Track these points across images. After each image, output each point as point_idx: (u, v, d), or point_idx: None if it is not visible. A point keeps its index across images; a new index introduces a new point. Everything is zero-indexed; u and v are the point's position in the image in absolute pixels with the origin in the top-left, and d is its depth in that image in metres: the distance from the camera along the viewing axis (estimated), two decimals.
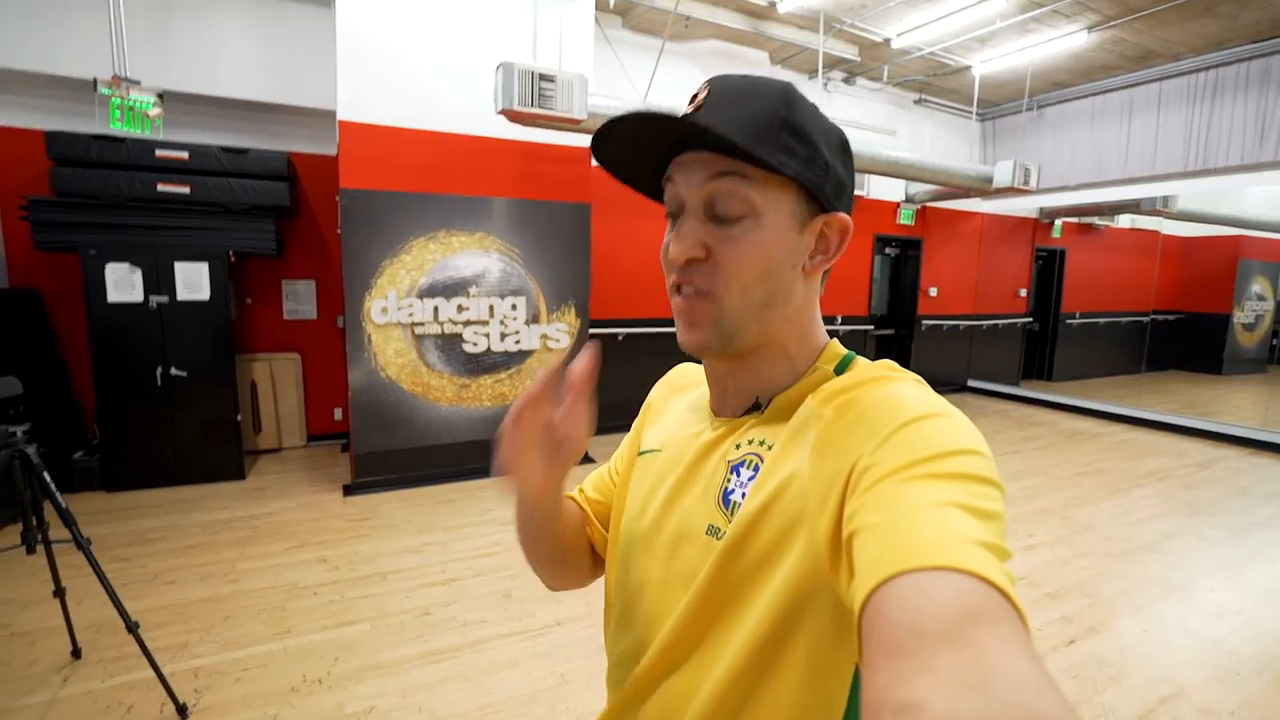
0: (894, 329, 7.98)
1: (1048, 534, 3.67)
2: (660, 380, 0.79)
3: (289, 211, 4.69)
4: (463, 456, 4.42)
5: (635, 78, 5.22)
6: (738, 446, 0.58)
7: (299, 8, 4.55)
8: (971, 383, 8.38)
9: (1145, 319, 9.50)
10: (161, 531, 3.47)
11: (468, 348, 4.38)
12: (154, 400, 4.06)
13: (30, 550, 2.02)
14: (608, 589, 0.69)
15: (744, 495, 0.55)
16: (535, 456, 0.58)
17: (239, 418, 4.37)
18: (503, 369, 4.52)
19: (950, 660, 0.30)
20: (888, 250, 7.87)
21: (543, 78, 3.70)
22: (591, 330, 4.91)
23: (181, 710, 2.02)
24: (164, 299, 4.03)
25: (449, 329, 4.30)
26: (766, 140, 0.51)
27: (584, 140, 4.42)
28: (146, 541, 3.34)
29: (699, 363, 0.67)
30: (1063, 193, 7.04)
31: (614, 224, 5.28)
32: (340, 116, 3.89)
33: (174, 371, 4.07)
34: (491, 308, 4.41)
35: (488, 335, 4.43)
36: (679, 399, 0.73)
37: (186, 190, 4.13)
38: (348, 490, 4.12)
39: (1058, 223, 8.71)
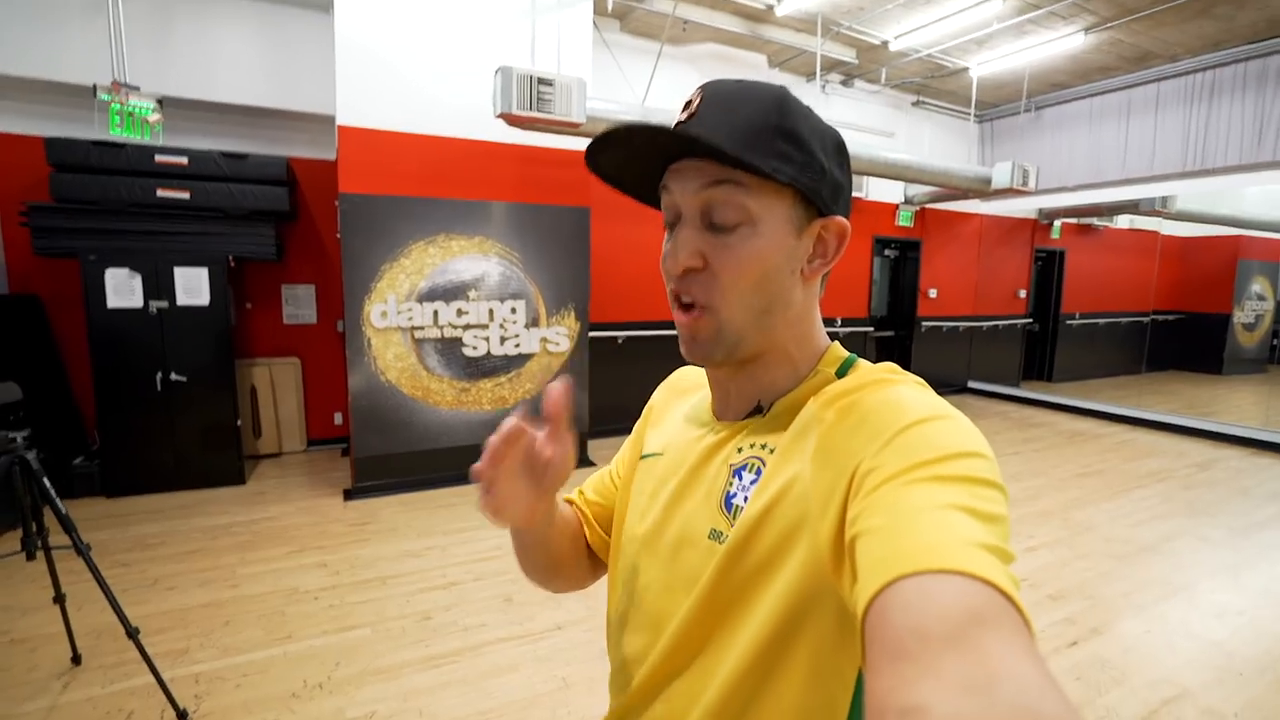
0: (894, 331, 7.98)
1: (1049, 535, 3.67)
2: (662, 383, 0.79)
3: (288, 216, 4.69)
4: (463, 460, 4.38)
5: (634, 81, 5.23)
6: (740, 450, 0.58)
7: (298, 13, 4.56)
8: (972, 384, 8.38)
9: (1145, 319, 9.51)
10: (161, 537, 3.47)
11: (467, 351, 4.38)
12: (154, 405, 4.05)
13: (30, 556, 2.01)
14: (610, 593, 0.69)
15: (746, 499, 0.55)
16: (519, 486, 0.57)
17: (239, 422, 4.37)
18: (503, 372, 4.52)
19: (954, 663, 0.30)
20: (887, 252, 7.87)
21: (541, 81, 3.71)
22: (591, 334, 4.91)
23: (182, 716, 2.01)
24: (164, 304, 4.03)
25: (449, 333, 4.30)
26: (760, 147, 0.51)
27: (583, 144, 4.43)
28: (146, 547, 3.34)
29: (701, 367, 0.67)
30: (1061, 194, 7.05)
31: (613, 227, 5.29)
32: (339, 121, 3.89)
33: (174, 377, 4.07)
34: (491, 311, 4.41)
35: (487, 339, 4.43)
36: (681, 402, 0.73)
37: (186, 195, 4.14)
38: (348, 495, 4.12)
39: (1057, 223, 8.72)
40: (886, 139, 6.98)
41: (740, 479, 0.56)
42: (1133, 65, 6.14)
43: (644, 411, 0.77)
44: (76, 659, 2.30)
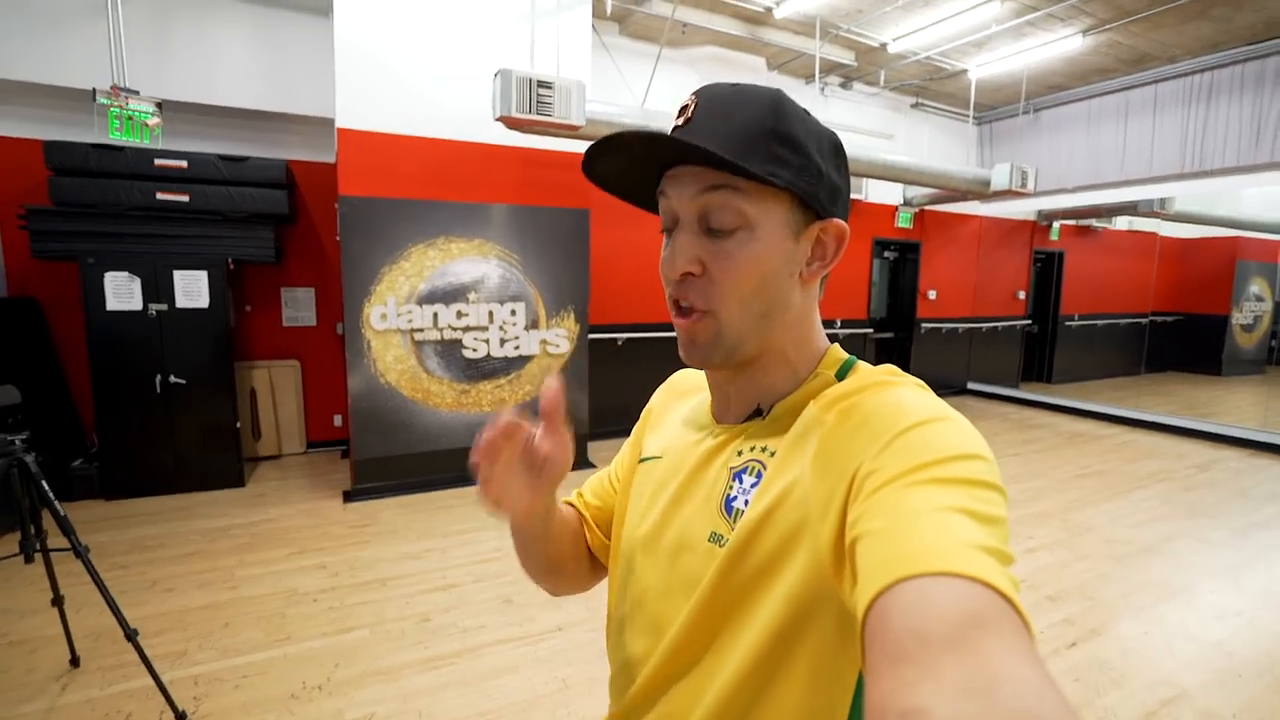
0: (893, 332, 7.99)
1: (1048, 536, 3.67)
2: (661, 386, 0.79)
3: (288, 219, 4.69)
4: (463, 462, 4.38)
5: (633, 84, 5.24)
6: (740, 453, 0.58)
7: (297, 17, 4.57)
8: (971, 385, 8.39)
9: (1144, 320, 9.52)
10: (160, 539, 3.46)
11: (467, 353, 4.38)
12: (153, 408, 4.05)
13: (29, 559, 2.01)
14: (610, 596, 0.69)
15: (747, 502, 0.55)
16: (518, 481, 0.58)
17: (238, 425, 4.36)
18: (502, 374, 4.52)
19: (954, 666, 0.30)
20: (886, 254, 7.88)
21: (541, 84, 3.72)
22: (591, 335, 4.91)
23: (181, 717, 2.01)
24: (163, 307, 4.03)
25: (448, 335, 4.30)
26: (756, 152, 0.51)
27: (582, 146, 4.43)
28: (145, 549, 3.33)
29: (700, 370, 0.67)
30: (1060, 195, 7.06)
31: (613, 229, 5.29)
32: (339, 124, 3.90)
33: (173, 379, 4.07)
34: (491, 313, 4.41)
35: (487, 341, 4.43)
36: (680, 405, 0.73)
37: (185, 199, 4.14)
38: (347, 496, 4.12)
39: (1055, 225, 8.73)
40: (885, 141, 6.99)
41: (740, 482, 0.56)
42: (1131, 67, 6.15)
43: (643, 414, 0.77)
44: (75, 661, 2.30)
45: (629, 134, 0.50)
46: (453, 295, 4.28)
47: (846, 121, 6.70)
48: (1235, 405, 8.05)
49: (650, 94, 4.93)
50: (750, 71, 6.06)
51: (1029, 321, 8.79)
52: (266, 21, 4.50)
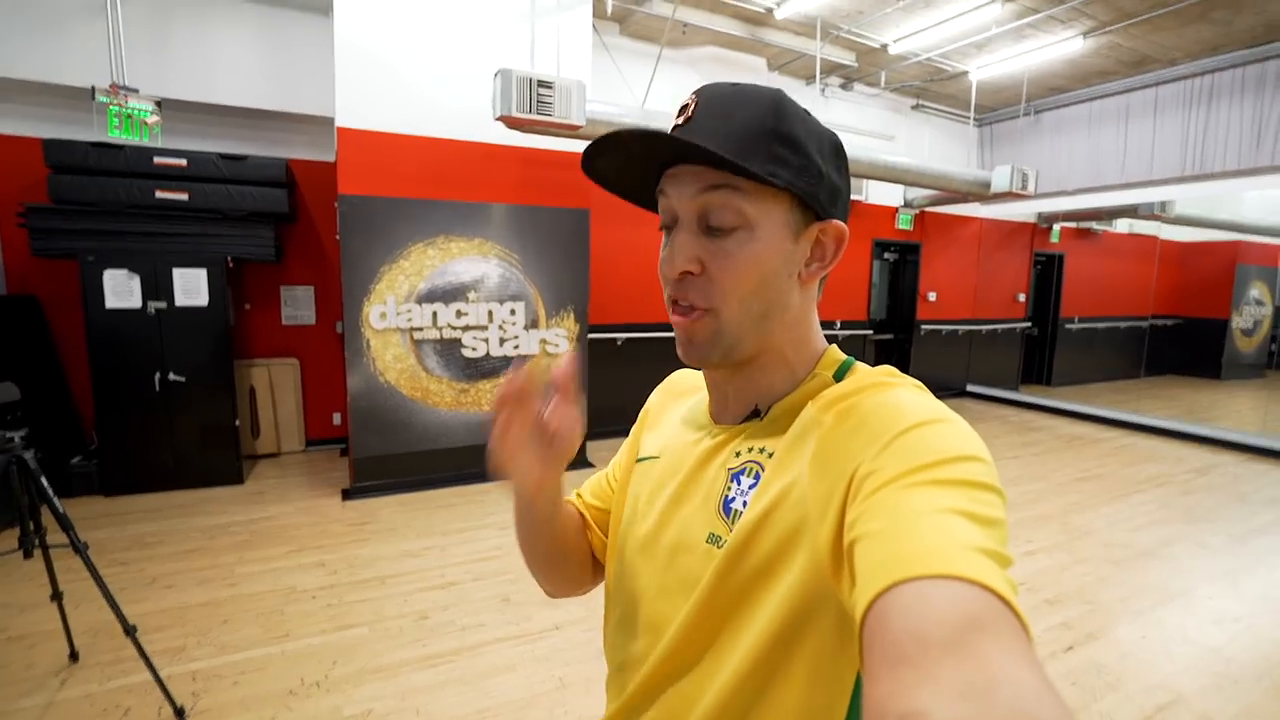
0: (893, 334, 7.99)
1: (1047, 540, 3.67)
2: (659, 386, 0.79)
3: (287, 218, 4.69)
4: (462, 461, 4.41)
5: (633, 84, 5.24)
6: (738, 454, 0.58)
7: (297, 16, 4.57)
8: (970, 387, 8.39)
9: (1144, 324, 9.52)
10: (159, 536, 3.46)
11: (467, 353, 4.38)
12: (152, 405, 4.05)
13: (28, 554, 2.01)
14: (607, 596, 0.69)
15: (745, 503, 0.54)
16: (529, 453, 0.59)
17: (237, 422, 4.36)
18: (502, 374, 4.52)
19: (952, 669, 0.30)
20: (886, 255, 7.88)
21: (541, 84, 3.72)
22: (591, 335, 4.91)
23: (179, 713, 2.01)
24: (162, 305, 4.03)
25: (448, 334, 4.30)
26: (756, 151, 0.51)
27: (582, 146, 4.43)
28: (144, 546, 3.33)
29: (698, 369, 0.67)
30: (1060, 198, 7.06)
31: (613, 229, 5.29)
32: (339, 123, 3.89)
33: (172, 377, 4.07)
34: (490, 313, 4.41)
35: (487, 340, 4.43)
36: (678, 405, 0.73)
37: (185, 197, 4.14)
38: (346, 495, 4.12)
39: (1056, 227, 8.73)
40: (886, 142, 7.00)
41: (739, 483, 0.56)
42: (1131, 69, 6.16)
43: (640, 414, 0.77)
44: (74, 656, 2.30)
45: (629, 132, 0.50)
46: (452, 294, 4.28)
47: (847, 122, 6.71)
48: (1235, 410, 8.06)
49: (650, 94, 4.93)
50: (751, 72, 6.06)
51: (1029, 324, 8.79)
52: (266, 20, 4.50)
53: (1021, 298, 8.63)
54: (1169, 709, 2.20)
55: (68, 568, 2.27)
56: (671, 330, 0.59)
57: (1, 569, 2.87)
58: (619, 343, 5.62)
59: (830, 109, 6.68)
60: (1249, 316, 9.19)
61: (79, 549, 1.98)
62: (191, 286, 4.10)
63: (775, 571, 0.50)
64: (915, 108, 7.35)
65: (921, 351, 7.84)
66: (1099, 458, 5.54)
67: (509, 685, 2.26)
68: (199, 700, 2.13)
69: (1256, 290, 9.13)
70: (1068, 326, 9.13)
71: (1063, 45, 5.36)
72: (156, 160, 4.07)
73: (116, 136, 3.64)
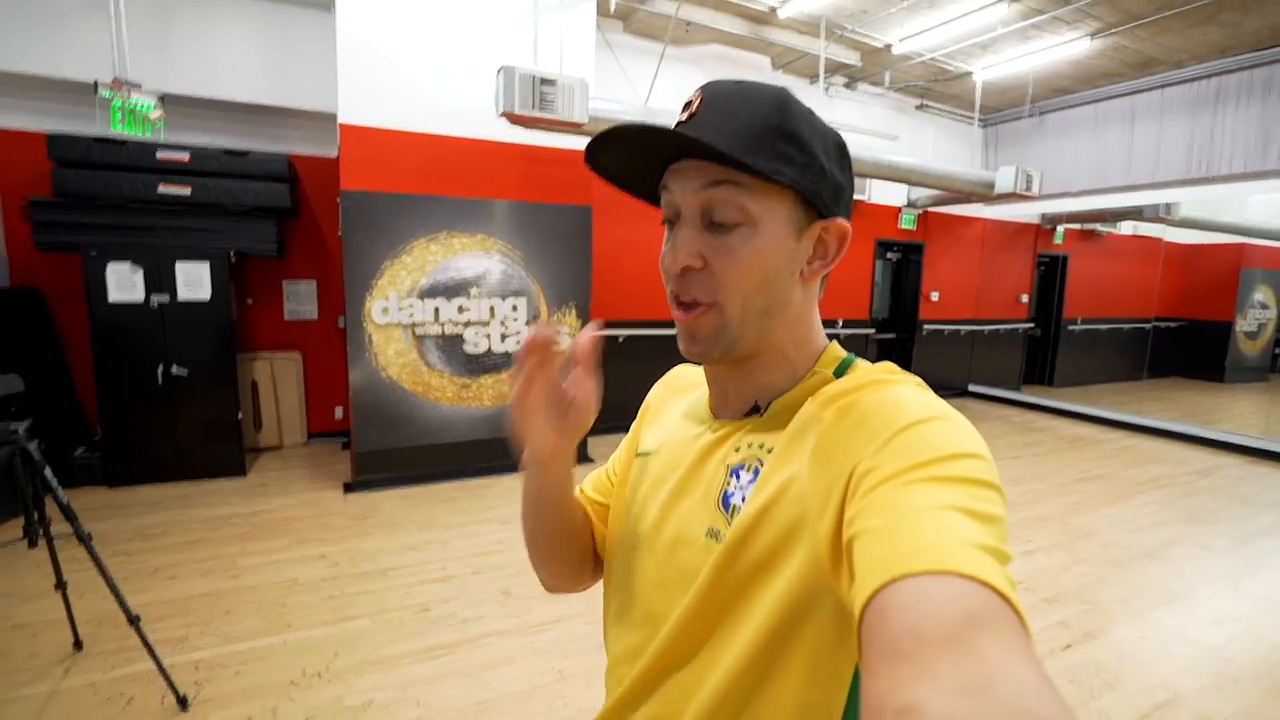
0: (895, 333, 7.98)
1: (1047, 539, 3.67)
2: (659, 381, 0.79)
3: (290, 213, 4.70)
4: (463, 455, 4.42)
5: (636, 82, 5.23)
6: (737, 449, 0.58)
7: (300, 11, 4.57)
8: (973, 388, 8.38)
9: (1147, 326, 9.50)
10: (163, 527, 3.48)
11: (468, 348, 4.39)
12: (155, 398, 4.06)
13: (32, 544, 2.03)
14: (606, 588, 0.70)
15: (744, 499, 0.55)
16: (546, 418, 0.60)
17: (240, 415, 4.38)
18: (503, 369, 4.52)
19: (950, 664, 0.30)
20: (889, 255, 7.87)
21: (544, 81, 3.71)
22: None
23: (182, 702, 2.03)
24: (165, 298, 4.04)
25: (450, 329, 4.31)
26: (761, 148, 0.51)
27: (585, 143, 4.43)
28: (148, 537, 3.35)
29: (699, 364, 0.67)
30: (1065, 199, 7.04)
31: (615, 226, 5.29)
32: (341, 119, 3.90)
33: (175, 370, 4.08)
34: (492, 309, 4.42)
35: (488, 336, 4.44)
36: (678, 400, 0.73)
37: (187, 192, 4.15)
38: (348, 488, 4.13)
39: (1060, 229, 8.71)
40: (890, 142, 6.98)
41: (738, 478, 0.57)
42: (1137, 71, 6.13)
43: (641, 409, 0.77)
44: (78, 645, 2.32)
45: (634, 127, 0.51)
46: (454, 290, 4.28)
47: (851, 122, 6.69)
48: (1237, 412, 8.04)
49: (654, 92, 4.92)
50: (754, 71, 6.05)
51: (1032, 325, 8.78)
52: (269, 16, 4.50)
53: (1025, 299, 8.61)
54: (1167, 708, 2.20)
55: (71, 558, 2.29)
56: (673, 328, 0.59)
57: (6, 558, 2.89)
58: (620, 339, 5.62)
59: (834, 108, 6.67)
60: (1253, 319, 9.16)
61: (83, 539, 1.99)
62: (194, 280, 4.11)
63: (773, 566, 0.50)
64: (919, 108, 7.33)
65: (923, 351, 7.83)
66: (1101, 459, 5.53)
67: (509, 677, 2.27)
68: (202, 689, 2.14)
69: (1261, 294, 9.10)
70: (1071, 328, 9.10)
71: (1068, 46, 5.34)
72: (159, 155, 4.08)
73: (119, 131, 3.64)
